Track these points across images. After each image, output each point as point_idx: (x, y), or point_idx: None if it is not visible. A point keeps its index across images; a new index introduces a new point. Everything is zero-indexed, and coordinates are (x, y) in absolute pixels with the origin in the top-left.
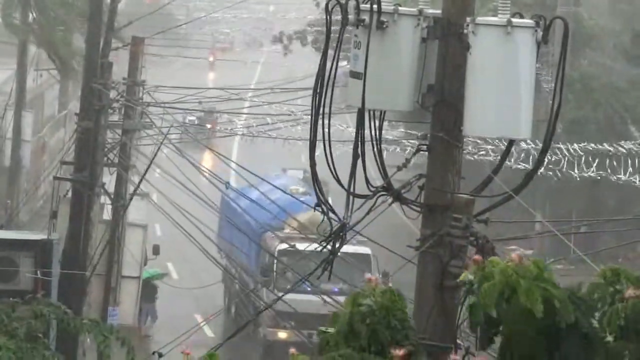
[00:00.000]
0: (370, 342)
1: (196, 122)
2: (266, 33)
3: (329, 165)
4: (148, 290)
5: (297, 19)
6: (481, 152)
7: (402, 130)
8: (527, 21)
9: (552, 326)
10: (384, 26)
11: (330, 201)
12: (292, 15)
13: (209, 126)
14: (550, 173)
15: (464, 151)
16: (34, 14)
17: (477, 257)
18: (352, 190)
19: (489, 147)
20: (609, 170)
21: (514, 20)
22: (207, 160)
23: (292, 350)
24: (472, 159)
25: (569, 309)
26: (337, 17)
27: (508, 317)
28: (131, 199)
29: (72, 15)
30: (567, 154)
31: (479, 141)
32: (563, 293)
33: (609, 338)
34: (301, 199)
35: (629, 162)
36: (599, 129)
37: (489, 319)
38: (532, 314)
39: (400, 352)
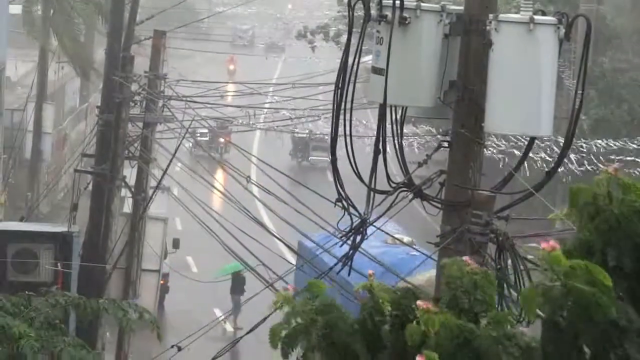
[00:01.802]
0: (450, 305)
1: (208, 136)
2: (287, 29)
3: (350, 161)
4: (238, 282)
5: (317, 16)
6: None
7: (424, 126)
8: (550, 18)
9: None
10: (406, 22)
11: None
12: (312, 13)
13: (221, 140)
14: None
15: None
16: (54, 11)
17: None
18: (373, 186)
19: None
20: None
21: (536, 17)
22: (228, 155)
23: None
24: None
25: None
26: (359, 13)
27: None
28: (154, 193)
29: (92, 13)
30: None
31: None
32: None
33: None
34: (412, 253)
35: None
36: (625, 126)
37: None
38: (621, 228)
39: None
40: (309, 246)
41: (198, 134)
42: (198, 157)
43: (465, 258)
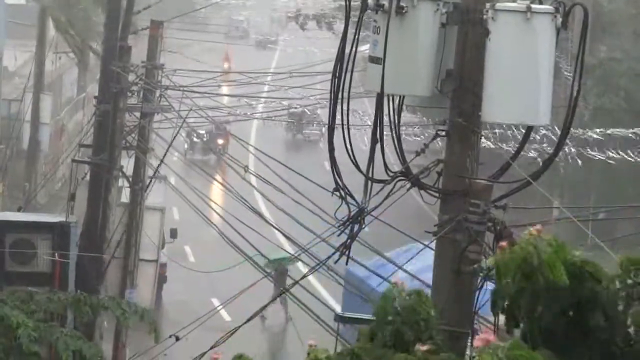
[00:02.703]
0: (395, 341)
1: (205, 138)
2: (282, 20)
3: (347, 150)
4: (280, 273)
5: (313, 6)
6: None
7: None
8: (547, 7)
9: (573, 300)
10: (403, 11)
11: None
12: (308, 3)
13: (220, 142)
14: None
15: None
16: None
17: (503, 244)
18: (370, 175)
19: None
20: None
21: (533, 6)
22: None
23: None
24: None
25: (602, 273)
26: (356, 2)
27: (528, 294)
28: (151, 182)
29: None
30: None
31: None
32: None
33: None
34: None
35: None
36: (623, 115)
37: (513, 301)
38: (554, 288)
39: (423, 347)
40: (360, 275)
41: (194, 136)
42: (193, 162)
43: (396, 280)
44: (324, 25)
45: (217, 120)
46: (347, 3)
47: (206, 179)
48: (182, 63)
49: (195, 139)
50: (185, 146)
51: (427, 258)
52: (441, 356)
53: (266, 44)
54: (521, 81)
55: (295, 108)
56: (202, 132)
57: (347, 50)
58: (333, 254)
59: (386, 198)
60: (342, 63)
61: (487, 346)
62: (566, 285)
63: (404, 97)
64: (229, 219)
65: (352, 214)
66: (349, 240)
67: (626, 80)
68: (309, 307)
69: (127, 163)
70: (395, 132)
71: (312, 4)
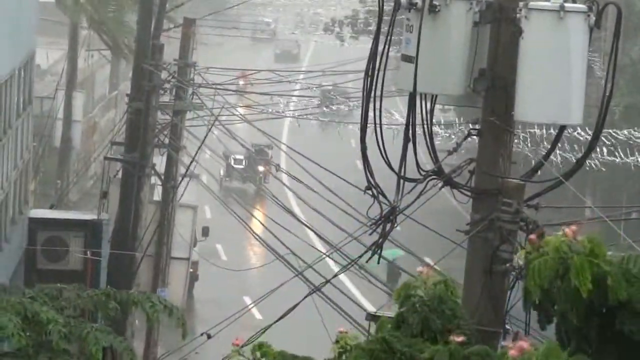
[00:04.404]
0: (423, 329)
1: (244, 164)
2: (314, 18)
3: (379, 148)
4: (393, 270)
5: (334, 4)
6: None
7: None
8: (580, 6)
9: (604, 304)
10: (436, 10)
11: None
12: (329, 2)
13: (261, 169)
14: (599, 161)
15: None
16: None
17: (532, 237)
18: (402, 173)
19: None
20: None
21: (566, 5)
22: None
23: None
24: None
25: (622, 286)
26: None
27: (561, 295)
28: (183, 180)
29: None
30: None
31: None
32: (617, 270)
33: None
34: None
35: None
36: None
37: (546, 298)
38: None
39: (458, 338)
40: None
41: (232, 161)
42: (229, 190)
43: (420, 269)
44: (357, 26)
45: (258, 143)
46: (381, 2)
47: (239, 179)
48: (214, 61)
49: (232, 164)
50: (221, 172)
51: None
52: (474, 348)
53: (291, 53)
54: (554, 80)
55: (329, 86)
56: (241, 157)
57: (379, 49)
58: (365, 252)
59: (418, 197)
60: (374, 62)
61: (521, 355)
62: (585, 295)
63: (436, 96)
64: (260, 218)
65: (384, 212)
66: (380, 239)
67: None
68: (340, 306)
69: (160, 161)
70: (428, 131)
71: (332, 2)
